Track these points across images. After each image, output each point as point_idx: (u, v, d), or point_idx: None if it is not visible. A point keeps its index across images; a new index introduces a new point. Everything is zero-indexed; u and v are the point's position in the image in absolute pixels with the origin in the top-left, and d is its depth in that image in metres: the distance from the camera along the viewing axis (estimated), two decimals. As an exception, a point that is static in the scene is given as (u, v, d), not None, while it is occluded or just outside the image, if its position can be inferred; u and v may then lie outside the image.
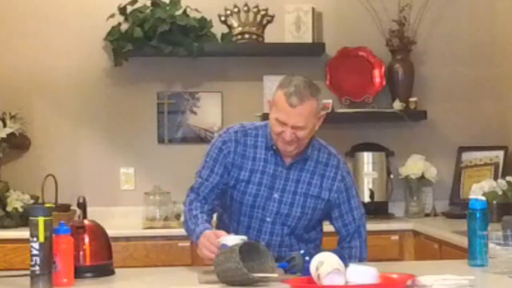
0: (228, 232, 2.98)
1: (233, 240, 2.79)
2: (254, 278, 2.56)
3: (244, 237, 2.84)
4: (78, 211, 2.95)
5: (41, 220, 2.51)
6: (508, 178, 4.59)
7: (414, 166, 5.02)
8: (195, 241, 3.02)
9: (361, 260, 3.16)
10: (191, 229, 3.06)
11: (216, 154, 3.15)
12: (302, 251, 2.79)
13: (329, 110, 4.99)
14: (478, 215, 2.89)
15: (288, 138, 2.98)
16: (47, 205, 2.67)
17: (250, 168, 3.13)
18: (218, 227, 3.24)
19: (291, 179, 3.13)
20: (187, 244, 4.36)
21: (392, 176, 5.09)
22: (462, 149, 5.19)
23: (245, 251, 2.63)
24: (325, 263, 2.42)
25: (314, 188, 3.14)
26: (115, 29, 4.93)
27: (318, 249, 3.09)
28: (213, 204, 3.17)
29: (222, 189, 3.16)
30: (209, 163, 3.16)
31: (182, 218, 3.33)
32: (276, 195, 3.12)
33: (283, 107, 2.96)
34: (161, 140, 5.12)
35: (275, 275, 2.63)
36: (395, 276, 2.52)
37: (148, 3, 4.96)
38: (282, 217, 3.14)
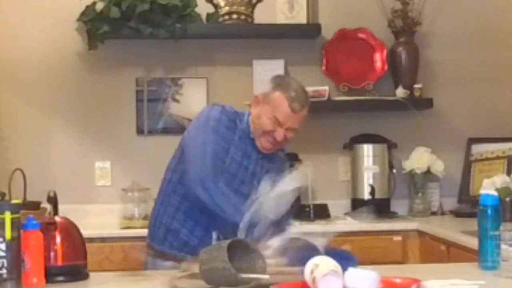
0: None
1: None
2: (243, 279, 2.56)
3: None
4: (48, 208, 2.93)
5: (7, 217, 2.49)
6: (522, 172, 4.61)
7: (419, 159, 5.03)
8: None
9: None
10: None
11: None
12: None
13: (325, 98, 5.00)
14: (489, 212, 2.88)
15: (280, 138, 3.26)
16: (14, 201, 2.66)
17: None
18: None
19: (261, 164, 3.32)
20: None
21: (394, 170, 5.10)
22: (472, 141, 5.20)
23: (234, 249, 2.62)
24: (320, 265, 2.42)
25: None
26: (89, 8, 4.92)
27: None
28: None
29: None
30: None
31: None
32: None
33: (284, 110, 3.22)
34: (140, 131, 5.11)
35: (266, 276, 2.62)
36: (398, 280, 2.52)
37: (126, -20, 4.95)
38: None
